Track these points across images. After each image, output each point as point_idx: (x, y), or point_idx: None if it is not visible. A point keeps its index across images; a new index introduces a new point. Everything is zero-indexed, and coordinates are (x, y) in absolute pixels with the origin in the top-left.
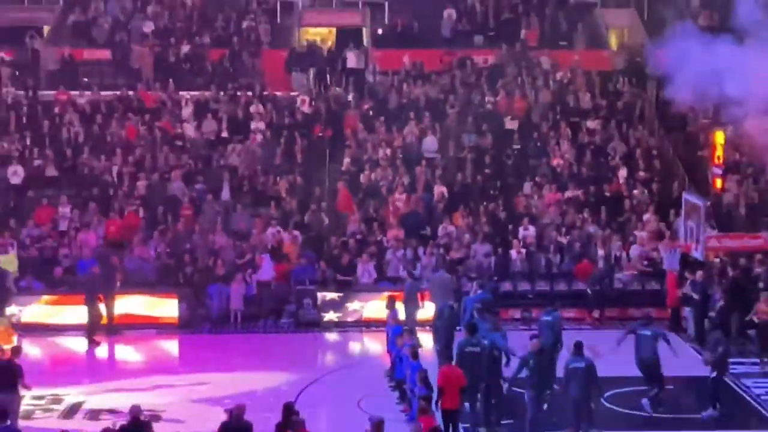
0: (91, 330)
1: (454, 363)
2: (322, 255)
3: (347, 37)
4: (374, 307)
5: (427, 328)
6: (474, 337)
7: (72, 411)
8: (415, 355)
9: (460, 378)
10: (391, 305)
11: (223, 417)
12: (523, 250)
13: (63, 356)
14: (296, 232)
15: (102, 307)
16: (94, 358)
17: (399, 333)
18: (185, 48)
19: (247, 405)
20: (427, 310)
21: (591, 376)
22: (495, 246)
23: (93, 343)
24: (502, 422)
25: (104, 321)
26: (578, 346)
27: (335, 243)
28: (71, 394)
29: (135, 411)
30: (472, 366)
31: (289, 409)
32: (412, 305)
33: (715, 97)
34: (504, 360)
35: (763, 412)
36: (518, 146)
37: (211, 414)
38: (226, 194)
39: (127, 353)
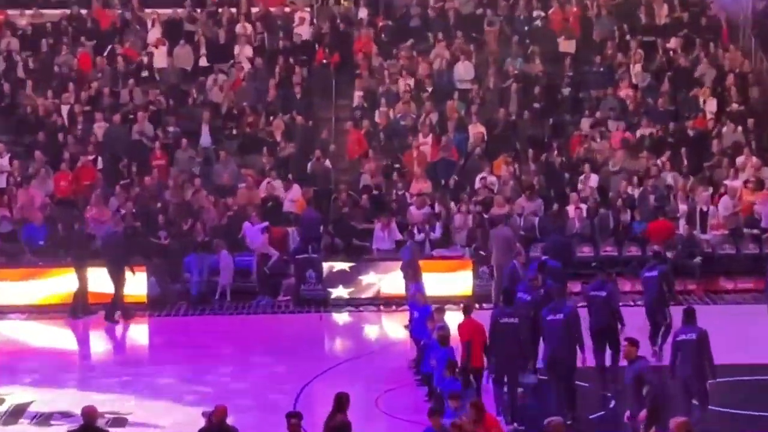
0: (78, 306)
1: (488, 337)
2: (328, 215)
3: None
4: (394, 281)
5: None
6: (510, 306)
7: (15, 414)
8: (445, 340)
9: (484, 332)
10: (415, 277)
11: (201, 422)
12: (583, 206)
13: (3, 347)
14: (296, 187)
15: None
16: (42, 348)
17: (429, 315)
18: None
19: (235, 406)
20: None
21: (704, 349)
22: (547, 201)
23: (75, 318)
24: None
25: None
26: (689, 314)
27: (344, 199)
28: (14, 393)
29: (89, 414)
30: (506, 340)
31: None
32: (411, 273)
33: None
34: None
35: None
36: (575, 73)
37: (188, 417)
38: (205, 139)
39: (83, 341)
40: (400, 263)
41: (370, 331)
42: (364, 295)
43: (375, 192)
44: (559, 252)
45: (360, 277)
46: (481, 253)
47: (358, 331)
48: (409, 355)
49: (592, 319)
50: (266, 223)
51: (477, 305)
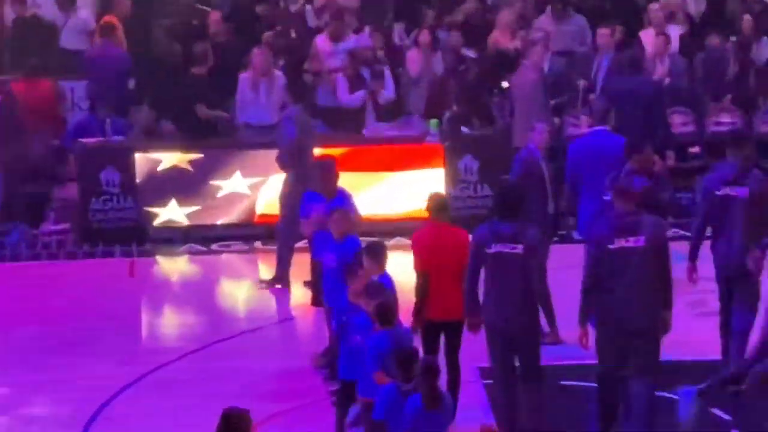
0: None
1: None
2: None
3: None
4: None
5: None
6: (510, 221)
7: None
8: (385, 315)
9: (459, 255)
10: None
11: None
12: (674, 30)
13: None
14: None
15: None
16: None
17: (350, 262)
18: None
19: None
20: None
21: None
22: (595, 20)
23: None
24: None
25: None
26: None
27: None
28: None
29: None
30: (503, 284)
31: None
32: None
33: None
34: None
35: None
36: None
37: None
38: None
39: None
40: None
41: (230, 293)
42: (220, 220)
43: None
44: (634, 124)
45: (210, 184)
46: (464, 131)
47: (206, 295)
48: (313, 344)
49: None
50: None
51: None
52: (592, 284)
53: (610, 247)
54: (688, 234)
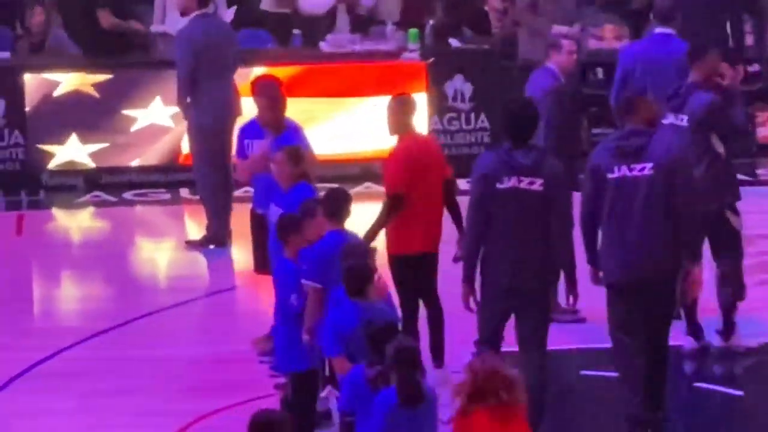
0: None
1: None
2: None
3: None
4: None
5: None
6: (524, 149)
7: None
8: (358, 280)
9: (436, 165)
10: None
11: None
12: None
13: None
14: None
15: None
16: None
17: (298, 214)
18: None
19: None
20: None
21: None
22: None
23: None
24: None
25: None
26: None
27: None
28: None
29: None
30: (514, 226)
31: None
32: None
33: None
34: None
35: None
36: None
37: None
38: None
39: None
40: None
41: (149, 258)
42: (135, 161)
43: None
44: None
45: (121, 114)
46: (452, 43)
47: (117, 260)
48: (255, 324)
49: None
50: None
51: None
52: (589, 225)
53: (609, 176)
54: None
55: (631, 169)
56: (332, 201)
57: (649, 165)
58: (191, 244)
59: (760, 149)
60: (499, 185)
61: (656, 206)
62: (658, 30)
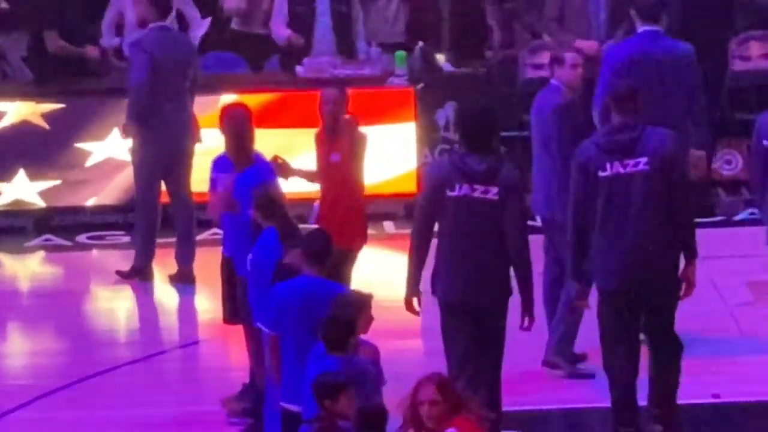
0: None
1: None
2: None
3: None
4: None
5: None
6: (476, 155)
7: None
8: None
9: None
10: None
11: None
12: None
13: None
14: None
15: None
16: None
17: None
18: None
19: None
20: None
21: None
22: None
23: None
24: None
25: None
26: None
27: None
28: None
29: None
30: (470, 225)
31: None
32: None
33: None
34: None
35: None
36: None
37: None
38: None
39: None
40: None
41: (104, 308)
42: (90, 201)
43: None
44: None
45: (75, 147)
46: (443, 67)
47: (69, 309)
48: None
49: None
50: None
51: None
52: (580, 228)
53: (601, 174)
54: None
55: (624, 166)
56: (312, 243)
57: (644, 160)
58: (121, 275)
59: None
60: (450, 192)
61: (653, 204)
62: (645, 28)
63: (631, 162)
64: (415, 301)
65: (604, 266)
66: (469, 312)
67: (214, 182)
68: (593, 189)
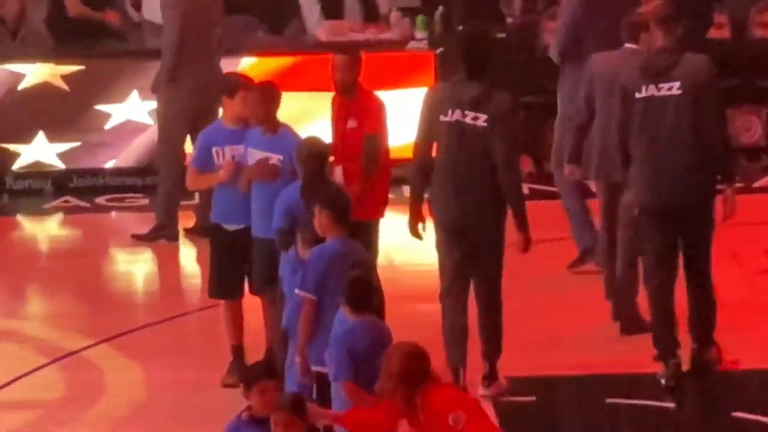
0: None
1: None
2: None
3: None
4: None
5: None
6: (471, 81)
7: None
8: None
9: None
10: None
11: None
12: None
13: None
14: None
15: None
16: None
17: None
18: None
19: None
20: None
21: None
22: None
23: None
24: None
25: None
26: None
27: None
28: None
29: None
30: (461, 150)
31: None
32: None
33: None
34: None
35: None
36: None
37: None
38: None
39: None
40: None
41: (126, 271)
42: (110, 163)
43: None
44: None
45: (94, 110)
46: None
47: (87, 273)
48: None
49: None
50: None
51: None
52: (624, 150)
53: (637, 95)
54: None
55: (659, 89)
56: (335, 203)
57: (677, 84)
58: (138, 238)
59: None
60: (443, 117)
61: (685, 127)
62: None
63: (666, 86)
64: (420, 226)
65: (639, 183)
66: (461, 231)
67: (212, 157)
68: (631, 111)
